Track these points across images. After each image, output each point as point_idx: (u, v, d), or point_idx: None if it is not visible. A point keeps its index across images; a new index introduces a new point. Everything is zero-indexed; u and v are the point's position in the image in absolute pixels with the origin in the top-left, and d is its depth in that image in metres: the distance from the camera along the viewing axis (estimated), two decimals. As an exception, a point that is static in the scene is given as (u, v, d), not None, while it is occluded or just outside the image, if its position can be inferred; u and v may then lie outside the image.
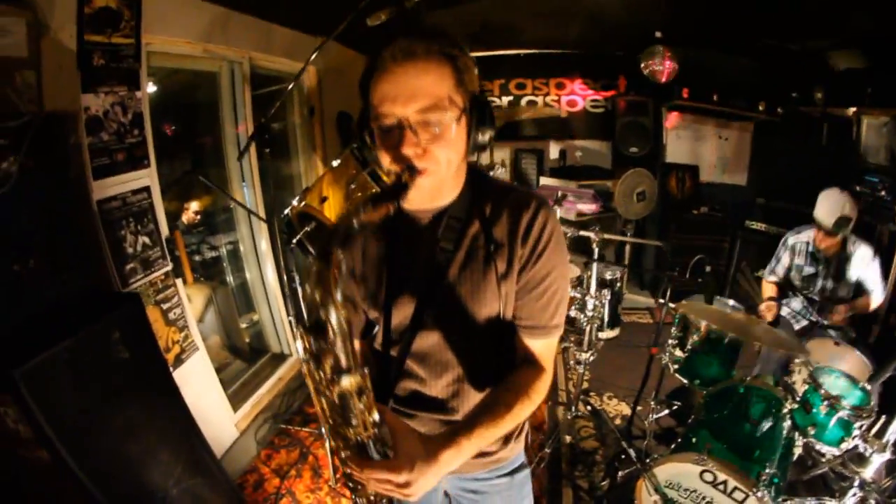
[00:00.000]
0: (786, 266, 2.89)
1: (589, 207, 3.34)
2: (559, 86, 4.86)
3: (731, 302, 2.85)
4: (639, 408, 2.68)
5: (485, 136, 0.94)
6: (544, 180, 4.50)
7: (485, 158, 4.50)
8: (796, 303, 2.90)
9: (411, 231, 1.03)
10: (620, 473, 2.45)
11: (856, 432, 1.93)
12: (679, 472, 1.90)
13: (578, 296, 2.73)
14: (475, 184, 1.02)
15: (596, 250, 2.63)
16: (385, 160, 0.90)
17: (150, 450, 1.71)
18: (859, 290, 2.71)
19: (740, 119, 4.54)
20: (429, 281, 1.01)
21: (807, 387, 2.04)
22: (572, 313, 2.74)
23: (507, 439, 1.16)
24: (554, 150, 4.83)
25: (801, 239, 2.82)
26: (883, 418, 2.12)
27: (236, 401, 2.73)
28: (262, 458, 2.66)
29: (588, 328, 2.70)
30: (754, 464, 1.89)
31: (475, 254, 1.00)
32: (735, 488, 1.79)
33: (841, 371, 2.11)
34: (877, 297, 2.69)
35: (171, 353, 2.15)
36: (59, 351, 1.40)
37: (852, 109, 3.76)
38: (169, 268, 2.18)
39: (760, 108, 4.32)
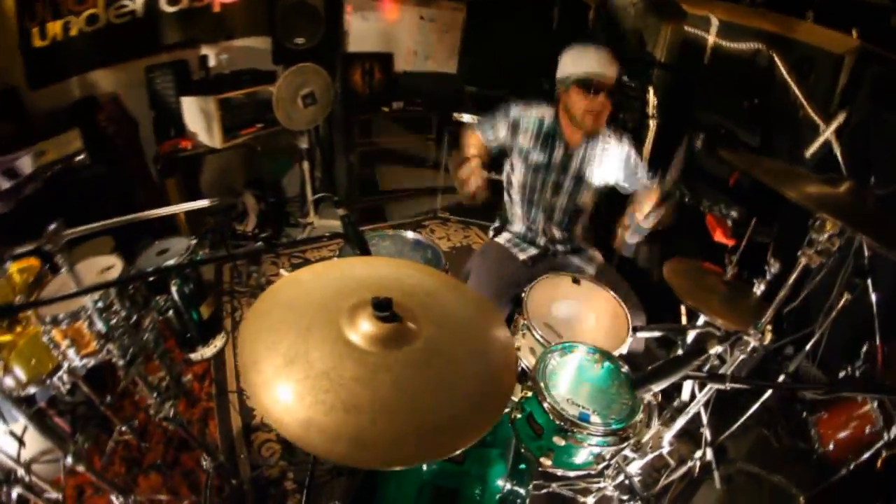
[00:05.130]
0: (500, 142, 2.06)
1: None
2: (212, -28, 3.50)
3: (410, 234, 2.03)
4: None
5: None
6: (187, 101, 3.21)
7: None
8: (518, 225, 2.15)
9: None
10: None
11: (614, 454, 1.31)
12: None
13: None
14: None
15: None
16: None
17: None
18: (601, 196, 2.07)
19: (447, -1, 3.71)
20: None
21: (529, 395, 1.30)
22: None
23: None
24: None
25: (530, 115, 1.99)
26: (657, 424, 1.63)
27: None
28: None
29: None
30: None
31: None
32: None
33: (589, 369, 1.34)
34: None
35: None
36: None
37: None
38: None
39: (471, -16, 3.56)
